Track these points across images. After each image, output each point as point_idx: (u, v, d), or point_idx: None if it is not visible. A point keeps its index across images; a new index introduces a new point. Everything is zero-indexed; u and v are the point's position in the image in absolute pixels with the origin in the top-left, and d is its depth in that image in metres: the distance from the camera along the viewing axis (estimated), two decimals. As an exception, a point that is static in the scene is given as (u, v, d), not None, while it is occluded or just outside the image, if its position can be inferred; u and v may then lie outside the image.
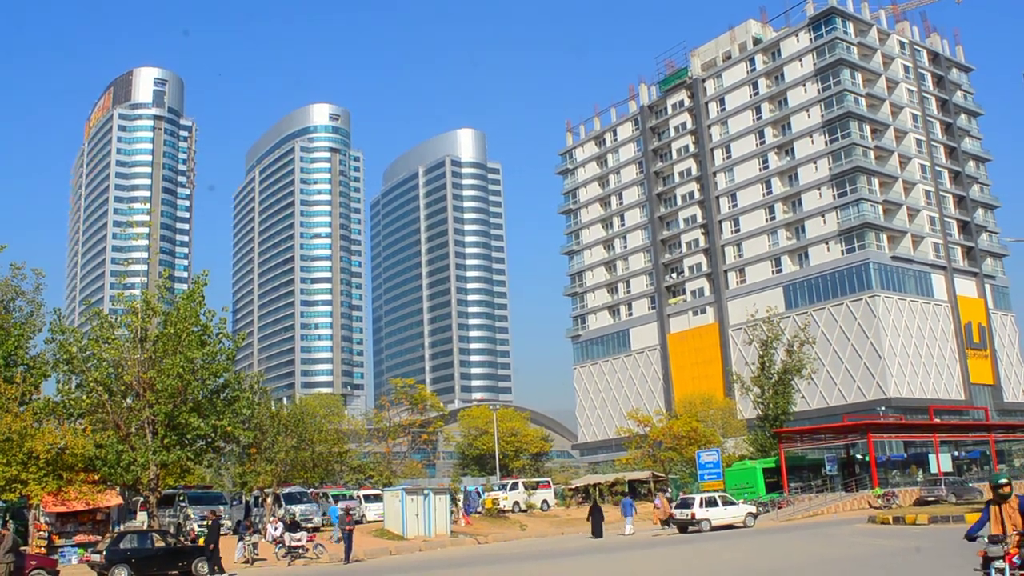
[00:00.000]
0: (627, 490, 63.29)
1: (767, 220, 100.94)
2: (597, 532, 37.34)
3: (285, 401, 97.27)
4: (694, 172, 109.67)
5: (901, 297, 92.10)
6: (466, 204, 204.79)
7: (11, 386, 29.99)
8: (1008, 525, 11.81)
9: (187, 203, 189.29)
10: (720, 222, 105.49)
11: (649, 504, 50.15)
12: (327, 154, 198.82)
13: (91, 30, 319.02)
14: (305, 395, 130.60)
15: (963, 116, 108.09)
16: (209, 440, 30.95)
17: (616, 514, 44.83)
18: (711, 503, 37.94)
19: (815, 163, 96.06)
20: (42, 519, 31.84)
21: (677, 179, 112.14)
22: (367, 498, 45.86)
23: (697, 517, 36.96)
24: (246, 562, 30.11)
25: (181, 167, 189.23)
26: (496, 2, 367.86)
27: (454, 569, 25.48)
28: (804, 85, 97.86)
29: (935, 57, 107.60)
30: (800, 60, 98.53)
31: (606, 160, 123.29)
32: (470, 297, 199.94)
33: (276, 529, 32.30)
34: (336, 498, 45.50)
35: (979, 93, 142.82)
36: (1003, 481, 12.06)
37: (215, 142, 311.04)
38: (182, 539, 30.78)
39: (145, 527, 31.12)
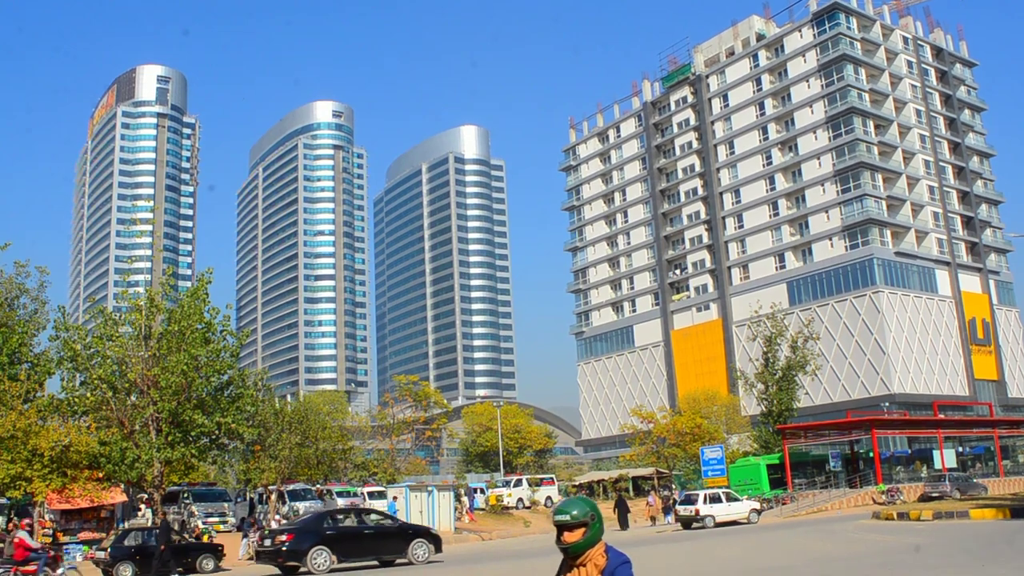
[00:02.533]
0: (631, 487, 63.47)
1: (771, 216, 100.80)
2: (623, 525, 37.63)
3: (289, 398, 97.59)
4: (697, 168, 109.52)
5: (905, 293, 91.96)
6: (469, 201, 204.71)
7: (16, 384, 30.04)
8: None
9: (191, 200, 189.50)
10: (724, 218, 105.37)
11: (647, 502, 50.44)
12: (330, 151, 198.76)
13: (93, 28, 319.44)
14: (309, 392, 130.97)
15: (967, 111, 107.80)
16: (213, 437, 30.94)
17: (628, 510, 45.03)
18: (715, 499, 37.97)
19: (819, 159, 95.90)
20: (47, 516, 31.94)
21: (680, 175, 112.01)
22: (371, 495, 45.88)
23: (701, 513, 37.03)
24: (250, 559, 30.20)
25: (184, 164, 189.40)
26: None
27: (458, 566, 25.49)
28: (807, 81, 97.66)
29: (939, 52, 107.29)
30: (803, 56, 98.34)
31: (609, 157, 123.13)
32: (473, 294, 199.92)
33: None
34: (340, 495, 45.53)
35: (983, 89, 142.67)
36: (571, 515, 5.31)
37: (218, 139, 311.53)
38: (186, 536, 30.85)
39: (149, 524, 31.19)
